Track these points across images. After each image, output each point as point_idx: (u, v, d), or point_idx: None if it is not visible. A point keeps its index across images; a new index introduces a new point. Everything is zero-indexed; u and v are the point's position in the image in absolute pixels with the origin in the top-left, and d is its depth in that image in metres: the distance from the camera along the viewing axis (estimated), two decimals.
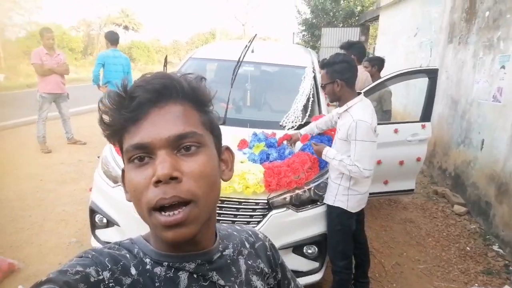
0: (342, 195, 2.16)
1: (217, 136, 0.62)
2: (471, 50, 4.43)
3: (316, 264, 2.32)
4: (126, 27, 32.67)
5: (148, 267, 0.55)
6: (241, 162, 2.22)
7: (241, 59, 2.85)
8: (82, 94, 9.53)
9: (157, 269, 0.55)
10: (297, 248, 2.24)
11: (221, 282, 0.60)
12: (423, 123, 3.36)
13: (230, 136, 2.52)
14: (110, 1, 32.44)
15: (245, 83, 3.33)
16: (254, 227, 2.11)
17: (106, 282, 0.49)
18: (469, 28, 4.52)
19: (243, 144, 2.43)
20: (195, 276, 0.57)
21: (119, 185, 2.28)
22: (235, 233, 0.72)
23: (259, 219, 2.14)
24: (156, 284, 0.54)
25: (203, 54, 3.79)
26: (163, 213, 0.51)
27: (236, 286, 0.63)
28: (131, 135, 0.53)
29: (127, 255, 0.55)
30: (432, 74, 3.35)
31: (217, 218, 2.11)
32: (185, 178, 0.52)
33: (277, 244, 2.09)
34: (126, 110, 0.52)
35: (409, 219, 3.97)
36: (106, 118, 0.54)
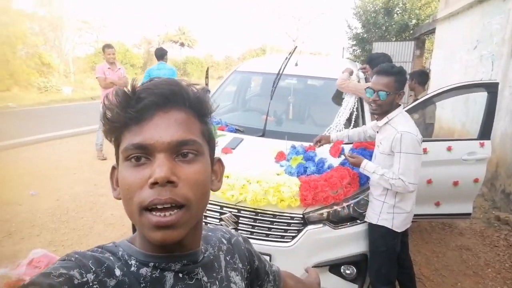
0: (387, 213, 2.02)
1: (212, 147, 0.64)
2: None
3: (354, 286, 2.18)
4: (182, 44, 34.43)
5: (133, 268, 0.55)
6: (278, 174, 2.18)
7: (280, 72, 2.84)
8: None
9: (143, 270, 0.55)
10: (334, 267, 2.13)
11: (205, 279, 0.61)
12: (481, 141, 3.08)
13: (268, 148, 2.50)
14: (169, 20, 34.44)
15: (288, 96, 3.31)
16: (288, 241, 2.05)
17: (90, 284, 0.48)
18: None
19: (280, 156, 2.39)
20: (180, 275, 0.58)
21: None
22: (210, 233, 0.73)
23: (294, 234, 2.07)
24: (142, 285, 0.54)
25: (247, 67, 3.85)
26: (154, 213, 0.51)
27: (217, 282, 0.64)
28: (133, 134, 0.54)
29: (111, 257, 0.55)
30: (491, 88, 3.07)
31: (252, 230, 2.09)
32: (180, 183, 0.53)
33: (313, 261, 2.03)
34: (132, 109, 0.54)
35: (466, 246, 3.61)
36: (109, 114, 0.55)
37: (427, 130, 3.92)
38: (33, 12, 19.16)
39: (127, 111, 0.54)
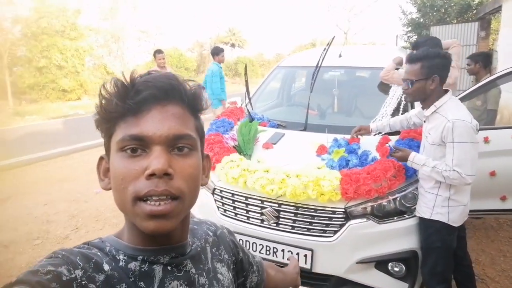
0: (442, 207, 1.88)
1: (202, 143, 0.65)
2: None
3: (404, 285, 2.06)
4: (232, 45, 35.17)
5: (121, 263, 0.56)
6: (318, 168, 2.14)
7: (319, 64, 2.77)
8: None
9: (131, 265, 0.56)
10: (380, 263, 2.04)
11: (193, 270, 0.62)
12: None
13: (309, 142, 2.46)
14: (220, 22, 35.32)
15: (332, 89, 3.23)
16: (330, 236, 2.01)
17: (79, 280, 0.49)
18: None
19: (322, 149, 2.34)
20: (169, 268, 0.59)
21: (202, 188, 2.43)
22: (195, 226, 0.74)
23: (336, 229, 2.02)
24: (131, 279, 0.55)
25: (290, 62, 3.83)
26: (148, 202, 0.52)
27: (204, 273, 0.65)
28: (129, 125, 0.55)
29: (98, 253, 0.55)
30: None
31: (293, 225, 2.08)
32: (175, 176, 0.54)
33: (356, 257, 1.97)
34: (131, 100, 0.54)
35: None
36: (106, 103, 0.56)
37: (488, 117, 3.56)
38: (98, 26, 20.84)
39: (126, 102, 0.54)
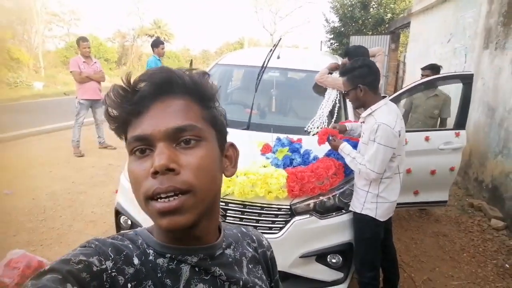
0: (371, 203, 2.08)
1: (220, 131, 0.62)
2: (510, 55, 4.19)
3: (340, 275, 2.23)
4: (157, 38, 33.83)
5: (151, 258, 0.56)
6: (264, 166, 2.18)
7: (265, 64, 2.84)
8: None
9: (160, 260, 0.56)
10: (320, 256, 2.16)
11: (223, 277, 0.60)
12: (457, 131, 3.20)
13: (253, 140, 2.50)
14: (144, 13, 33.51)
15: (270, 89, 3.32)
16: (276, 233, 2.07)
17: (109, 271, 0.49)
18: (507, 33, 4.29)
19: (266, 148, 2.40)
20: (197, 269, 0.58)
21: None
22: (239, 234, 0.72)
23: (281, 225, 2.09)
24: (159, 275, 0.54)
25: (229, 60, 3.82)
26: (159, 200, 0.51)
27: (241, 282, 0.63)
28: (133, 128, 0.54)
29: (130, 246, 0.55)
30: (466, 80, 3.19)
31: (240, 223, 2.10)
32: (182, 170, 0.52)
33: (300, 252, 2.06)
34: (129, 103, 0.54)
35: (442, 233, 3.76)
36: (111, 112, 0.55)
37: (442, 125, 4.07)
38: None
39: (124, 106, 0.54)
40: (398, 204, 3.23)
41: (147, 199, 0.52)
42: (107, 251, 0.51)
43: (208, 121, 0.59)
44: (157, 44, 5.69)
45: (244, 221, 2.09)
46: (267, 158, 2.32)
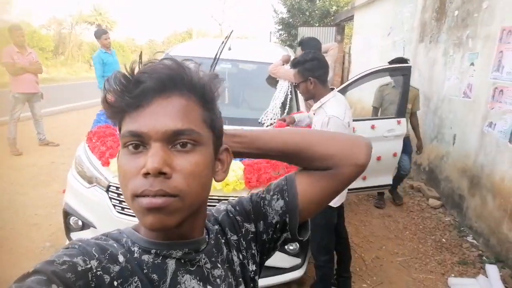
0: None
1: (217, 134, 0.60)
2: (442, 48, 4.57)
3: (298, 260, 2.32)
4: (99, 25, 31.80)
5: (136, 255, 0.56)
6: None
7: (217, 56, 2.82)
8: (54, 94, 9.21)
9: (145, 257, 0.56)
10: None
11: (208, 265, 0.61)
12: (398, 119, 3.44)
13: None
14: None
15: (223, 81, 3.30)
16: None
17: (94, 270, 0.49)
18: (440, 27, 4.67)
19: None
20: (182, 261, 0.59)
21: (94, 186, 2.20)
22: (208, 222, 0.70)
23: None
24: (145, 271, 0.55)
25: (180, 51, 3.73)
26: (147, 198, 0.50)
27: (219, 264, 0.64)
28: (130, 120, 0.53)
29: (114, 244, 0.55)
30: (405, 72, 3.43)
31: None
32: (175, 174, 0.51)
33: None
34: (130, 95, 0.51)
35: (387, 214, 4.05)
36: (109, 98, 0.53)
37: (413, 118, 4.18)
38: None
39: (125, 96, 0.52)
40: (349, 189, 3.45)
41: (134, 196, 0.51)
42: (91, 251, 0.51)
43: (207, 124, 0.57)
44: (99, 34, 5.37)
45: None
46: None
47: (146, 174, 0.50)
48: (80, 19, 30.22)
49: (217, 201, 2.09)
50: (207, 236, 0.65)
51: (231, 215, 0.72)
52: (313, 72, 2.11)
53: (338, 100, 2.16)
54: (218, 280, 0.62)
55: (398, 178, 4.15)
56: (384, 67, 3.53)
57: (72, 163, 2.49)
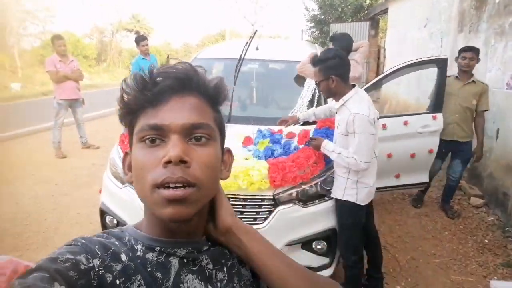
0: (351, 189, 2.13)
1: (223, 136, 0.66)
2: (482, 38, 4.30)
3: (326, 260, 2.29)
4: (137, 33, 33.09)
5: (139, 253, 0.56)
6: (246, 159, 2.21)
7: (242, 57, 2.84)
8: (96, 100, 9.71)
9: (149, 255, 0.57)
10: (306, 244, 2.22)
11: (210, 266, 0.62)
12: (433, 114, 3.29)
13: (235, 133, 2.52)
14: (121, 7, 32.69)
15: (250, 81, 3.33)
16: (261, 223, 2.11)
17: (96, 269, 0.49)
18: (479, 16, 4.40)
19: (247, 141, 2.42)
20: (185, 260, 0.59)
21: (126, 186, 2.30)
22: None
23: (265, 215, 2.13)
24: (148, 269, 0.55)
25: (208, 53, 3.81)
26: (167, 189, 0.53)
27: (225, 268, 0.65)
28: (148, 116, 0.56)
29: (117, 243, 0.56)
30: (441, 64, 3.27)
31: None
32: (193, 164, 0.55)
33: (285, 240, 2.10)
34: (150, 92, 0.56)
35: (424, 213, 3.88)
36: (126, 97, 0.58)
37: (479, 119, 3.54)
38: None
39: (144, 94, 0.56)
40: (381, 188, 3.34)
41: (155, 187, 0.53)
42: (94, 249, 0.52)
43: (217, 123, 0.62)
44: (138, 41, 5.60)
45: None
46: (249, 150, 2.35)
47: (167, 163, 0.52)
48: (120, 27, 31.63)
49: (242, 200, 2.12)
50: (209, 243, 0.65)
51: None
52: (335, 70, 2.07)
53: (361, 97, 2.11)
54: (219, 283, 0.63)
55: (448, 189, 3.84)
56: (418, 60, 3.38)
57: (107, 164, 2.62)
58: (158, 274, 0.55)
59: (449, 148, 3.57)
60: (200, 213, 0.59)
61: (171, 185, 0.52)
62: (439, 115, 3.28)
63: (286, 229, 2.14)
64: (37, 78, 16.51)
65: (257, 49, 3.43)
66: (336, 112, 2.18)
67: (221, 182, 1.99)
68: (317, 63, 2.12)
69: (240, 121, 2.70)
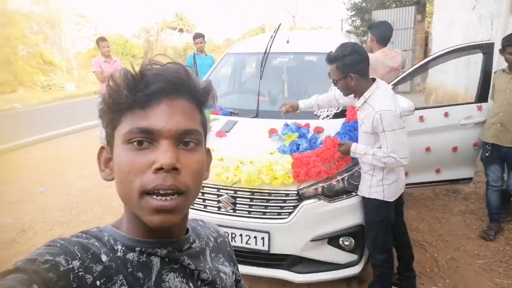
0: (377, 186, 2.04)
1: (206, 136, 0.65)
2: None
3: (354, 257, 2.23)
4: (181, 30, 34.08)
5: (119, 254, 0.56)
6: (271, 153, 2.21)
7: (267, 50, 2.82)
8: None
9: (129, 255, 0.56)
10: (332, 239, 2.18)
11: (192, 266, 0.62)
12: (479, 104, 3.05)
13: (261, 128, 2.52)
14: (166, 7, 33.85)
15: (281, 75, 3.30)
16: (285, 218, 2.10)
17: (76, 271, 0.48)
18: None
19: (273, 131, 2.43)
20: (166, 259, 0.59)
21: None
22: (198, 227, 0.74)
23: (290, 210, 2.11)
24: (129, 269, 0.55)
25: (239, 49, 3.83)
26: (155, 197, 0.53)
27: (207, 270, 0.65)
28: (137, 118, 0.54)
29: (96, 243, 0.55)
30: (487, 49, 3.01)
31: (249, 210, 2.14)
32: (182, 171, 0.54)
33: (310, 235, 2.08)
34: (141, 93, 0.54)
35: (470, 211, 3.63)
36: (114, 94, 0.55)
37: None
38: (30, 11, 19.10)
39: (136, 94, 0.54)
40: (420, 183, 3.17)
41: (143, 193, 0.52)
42: (74, 250, 0.50)
43: (203, 127, 0.62)
44: (194, 38, 5.67)
45: (253, 208, 2.14)
46: (274, 137, 2.35)
47: (158, 170, 0.52)
48: (165, 25, 32.77)
49: (267, 194, 2.12)
50: (191, 239, 0.66)
51: (232, 256, 0.79)
52: (353, 67, 1.93)
53: (383, 91, 1.98)
54: (199, 282, 0.63)
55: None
56: (460, 45, 3.13)
57: None
58: (140, 274, 0.55)
59: (496, 153, 3.04)
60: (185, 216, 0.61)
61: (161, 192, 0.52)
62: (485, 105, 3.03)
63: (311, 224, 2.11)
64: (89, 78, 17.66)
65: (287, 42, 3.38)
66: (358, 110, 2.08)
67: (246, 176, 2.03)
68: (333, 61, 1.98)
69: (268, 116, 2.70)
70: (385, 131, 1.88)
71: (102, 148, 0.62)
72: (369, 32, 3.60)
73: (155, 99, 0.54)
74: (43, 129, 7.35)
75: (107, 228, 0.60)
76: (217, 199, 2.18)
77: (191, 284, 0.61)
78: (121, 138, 0.55)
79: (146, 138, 0.54)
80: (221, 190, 2.17)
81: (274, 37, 2.96)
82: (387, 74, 3.18)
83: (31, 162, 5.59)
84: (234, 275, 0.73)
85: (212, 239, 0.74)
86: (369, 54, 3.37)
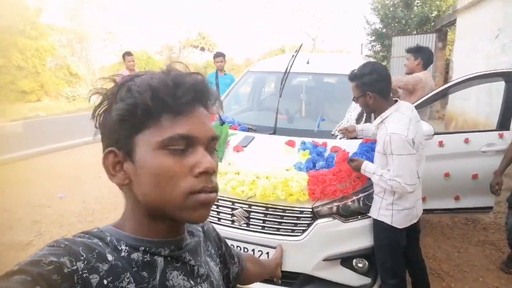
0: (386, 210, 2.02)
1: None
2: None
3: (367, 280, 2.18)
4: (202, 48, 34.96)
5: (123, 254, 0.57)
6: (287, 170, 2.22)
7: (288, 70, 2.88)
8: None
9: (134, 255, 0.58)
10: (345, 260, 2.14)
11: (192, 262, 0.66)
12: (500, 132, 3.00)
13: (278, 144, 2.55)
14: (190, 25, 34.90)
15: (300, 94, 3.35)
16: (298, 235, 2.09)
17: (80, 272, 0.48)
18: None
19: (290, 143, 2.47)
20: (169, 258, 0.62)
21: None
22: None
23: (304, 228, 2.10)
24: (134, 269, 0.56)
25: (259, 67, 3.91)
26: (202, 194, 0.58)
27: (203, 264, 0.69)
28: (173, 124, 0.56)
29: (100, 243, 0.55)
30: (509, 78, 2.99)
31: (263, 225, 2.15)
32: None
33: (323, 255, 2.06)
34: (177, 101, 0.56)
35: (489, 241, 3.51)
36: (147, 98, 0.55)
37: None
38: (63, 26, 20.03)
39: (168, 101, 0.56)
40: (437, 210, 3.10)
41: (190, 193, 0.56)
42: (78, 251, 0.50)
43: None
44: (214, 57, 5.68)
45: (267, 223, 2.14)
46: (289, 148, 2.38)
47: (201, 173, 0.57)
48: (187, 43, 33.70)
49: (281, 210, 2.12)
50: (187, 236, 0.70)
51: (217, 240, 0.86)
52: (371, 86, 1.98)
53: (402, 113, 1.98)
54: (199, 279, 0.67)
55: None
56: (482, 73, 3.11)
57: None
58: (144, 274, 0.57)
59: None
60: None
61: (206, 191, 0.57)
62: (507, 133, 2.98)
63: (324, 244, 2.09)
64: None
65: (307, 62, 3.45)
66: (377, 128, 2.09)
67: (261, 191, 2.09)
68: (353, 79, 2.05)
69: (285, 133, 2.72)
70: (393, 154, 1.88)
71: (109, 152, 0.59)
72: (410, 54, 3.64)
73: (188, 107, 0.58)
74: (66, 137, 7.59)
75: (107, 228, 0.61)
76: (231, 213, 2.19)
77: (191, 282, 0.64)
78: (155, 144, 0.56)
79: (185, 144, 0.57)
80: (236, 204, 2.18)
81: (295, 56, 3.03)
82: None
83: (53, 168, 5.75)
84: (217, 268, 0.78)
85: (200, 229, 0.78)
86: (418, 74, 3.43)
